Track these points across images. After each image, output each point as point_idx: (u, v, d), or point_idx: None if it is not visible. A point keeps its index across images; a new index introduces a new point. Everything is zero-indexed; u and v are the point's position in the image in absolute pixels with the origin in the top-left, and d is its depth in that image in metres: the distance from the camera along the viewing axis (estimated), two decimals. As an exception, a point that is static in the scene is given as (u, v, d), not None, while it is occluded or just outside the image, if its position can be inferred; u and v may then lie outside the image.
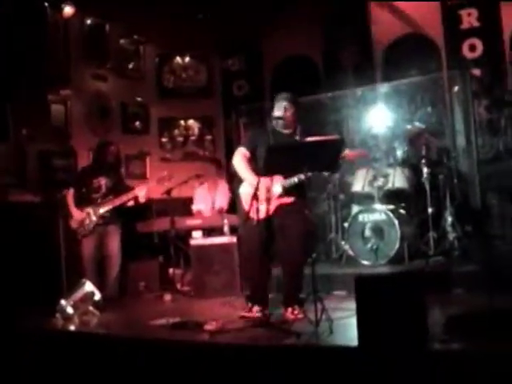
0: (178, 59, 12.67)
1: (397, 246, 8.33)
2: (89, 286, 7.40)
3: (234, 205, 9.64)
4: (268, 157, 5.84)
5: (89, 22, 11.24)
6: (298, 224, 6.37)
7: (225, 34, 12.36)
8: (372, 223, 8.65)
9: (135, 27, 11.78)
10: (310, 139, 6.25)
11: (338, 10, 11.45)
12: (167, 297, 8.54)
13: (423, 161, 8.85)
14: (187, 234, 9.25)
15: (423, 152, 8.95)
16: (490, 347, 4.43)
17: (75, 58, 10.96)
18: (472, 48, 10.31)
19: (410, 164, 9.30)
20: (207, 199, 10.11)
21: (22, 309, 7.51)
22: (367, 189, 9.15)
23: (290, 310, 6.30)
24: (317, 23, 11.68)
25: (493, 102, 9.73)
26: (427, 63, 10.47)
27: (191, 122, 12.62)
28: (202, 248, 8.76)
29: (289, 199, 6.33)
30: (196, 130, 12.65)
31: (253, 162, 6.56)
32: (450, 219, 8.71)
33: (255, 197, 5.95)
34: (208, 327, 5.93)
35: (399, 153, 9.38)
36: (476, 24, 10.32)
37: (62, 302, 7.20)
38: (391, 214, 8.48)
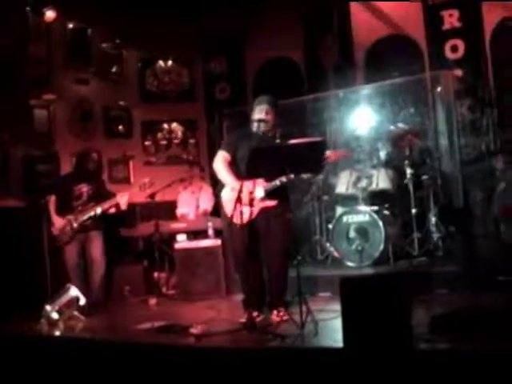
0: (161, 63, 12.65)
1: (381, 246, 8.35)
2: (74, 291, 7.39)
3: (218, 208, 9.66)
4: (250, 160, 5.83)
5: (71, 26, 11.22)
6: (279, 227, 6.38)
7: (207, 37, 12.37)
8: (356, 224, 8.67)
9: (117, 31, 11.75)
10: (292, 141, 6.23)
11: (318, 12, 11.46)
12: (152, 301, 8.52)
13: (406, 162, 8.87)
14: (172, 237, 9.24)
15: (407, 153, 8.99)
16: (474, 346, 4.46)
17: (57, 63, 10.93)
18: (454, 49, 10.34)
19: (394, 165, 9.32)
20: (191, 203, 10.10)
21: (5, 314, 7.49)
22: (351, 190, 9.18)
23: (275, 312, 6.30)
24: (298, 25, 11.68)
25: (475, 103, 9.78)
26: (409, 64, 10.48)
27: (174, 125, 12.61)
28: (186, 251, 8.76)
29: (271, 203, 6.33)
30: (179, 134, 12.63)
31: (233, 165, 6.55)
32: (433, 219, 8.76)
33: (239, 200, 5.94)
34: (193, 331, 5.92)
35: (382, 154, 9.41)
36: (458, 25, 10.36)
37: (47, 307, 7.19)
38: (375, 215, 8.50)
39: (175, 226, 9.45)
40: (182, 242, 9.02)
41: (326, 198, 9.67)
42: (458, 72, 10.07)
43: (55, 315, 7.14)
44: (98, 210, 8.21)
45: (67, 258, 8.21)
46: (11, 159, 9.95)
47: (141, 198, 8.82)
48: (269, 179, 6.26)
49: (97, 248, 8.31)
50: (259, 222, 6.37)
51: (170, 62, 12.70)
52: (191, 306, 8.08)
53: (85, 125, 11.32)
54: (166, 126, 12.56)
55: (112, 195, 8.33)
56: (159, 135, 12.49)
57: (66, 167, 9.96)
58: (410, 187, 8.79)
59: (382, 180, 9.03)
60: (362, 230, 8.59)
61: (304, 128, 9.96)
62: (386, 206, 9.12)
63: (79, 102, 11.28)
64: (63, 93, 10.97)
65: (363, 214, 8.66)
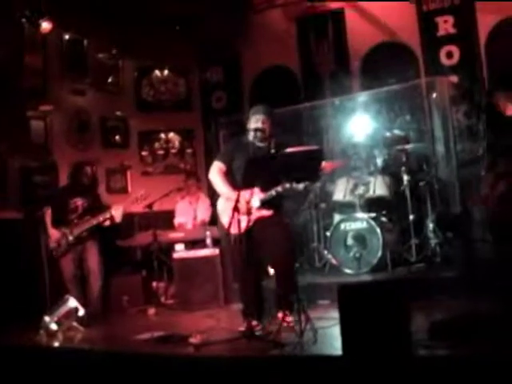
0: (157, 72, 12.68)
1: (379, 253, 8.36)
2: (72, 302, 7.40)
3: (215, 217, 9.67)
4: (247, 169, 5.85)
5: (67, 37, 11.25)
6: (280, 233, 6.37)
7: (203, 46, 12.41)
8: (354, 231, 8.68)
9: (113, 42, 11.77)
10: (289, 150, 6.24)
11: (314, 20, 11.49)
12: (151, 311, 8.52)
13: (403, 168, 8.89)
14: (170, 247, 9.24)
15: (403, 159, 9.00)
16: (473, 352, 4.46)
17: (54, 74, 10.95)
18: (449, 55, 10.38)
19: (391, 172, 9.33)
20: (188, 213, 10.12)
21: (4, 325, 7.49)
22: (348, 197, 9.19)
23: (281, 313, 6.25)
24: (293, 33, 11.72)
25: (471, 108, 9.79)
26: (405, 71, 10.49)
27: (171, 135, 12.62)
28: (184, 261, 8.77)
29: (267, 212, 6.33)
30: (176, 143, 12.64)
31: (229, 175, 6.56)
32: (431, 225, 8.76)
33: (236, 209, 5.95)
34: (192, 340, 5.91)
35: (379, 161, 9.41)
36: (452, 31, 10.40)
37: (46, 318, 7.20)
38: (373, 222, 8.51)
39: (173, 235, 9.47)
40: (180, 251, 9.02)
41: (323, 205, 9.68)
42: (454, 78, 10.09)
43: (54, 326, 7.15)
44: (93, 223, 8.24)
45: (64, 269, 8.23)
46: (8, 170, 9.95)
47: (138, 207, 8.81)
48: (265, 189, 6.26)
49: (93, 259, 8.32)
50: (257, 232, 6.36)
51: (166, 72, 12.72)
52: (190, 315, 8.07)
53: (82, 135, 11.33)
54: (162, 135, 12.58)
55: (107, 208, 8.35)
56: (156, 145, 12.50)
57: (64, 178, 9.92)
58: (407, 193, 8.81)
59: (379, 187, 9.05)
60: (360, 237, 8.59)
61: (301, 136, 9.98)
62: (384, 212, 9.13)
63: (76, 112, 11.30)
64: (60, 104, 10.98)
65: (361, 221, 8.67)
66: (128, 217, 8.67)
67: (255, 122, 6.52)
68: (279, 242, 6.34)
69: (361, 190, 9.06)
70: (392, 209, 9.21)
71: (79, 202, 8.39)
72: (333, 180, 9.62)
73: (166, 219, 10.15)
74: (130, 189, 11.82)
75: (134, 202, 8.46)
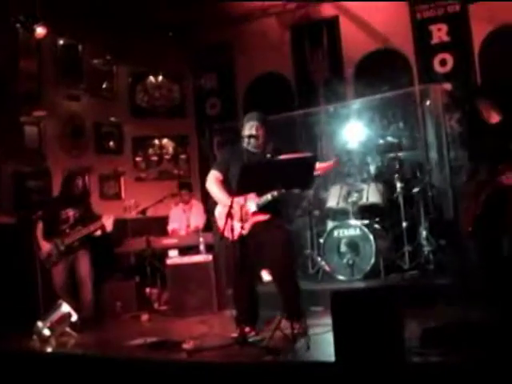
0: (151, 78, 12.69)
1: (372, 260, 8.37)
2: (65, 308, 7.39)
3: (209, 223, 9.68)
4: (241, 176, 5.85)
5: (61, 42, 11.26)
6: (278, 238, 6.34)
7: (197, 52, 12.44)
8: (347, 238, 8.69)
9: (108, 47, 11.78)
10: (282, 157, 6.27)
11: (308, 28, 11.52)
12: (144, 317, 8.51)
13: (396, 175, 8.92)
14: (163, 253, 9.23)
15: (396, 167, 9.03)
16: (466, 359, 4.46)
17: (48, 79, 10.96)
18: (443, 62, 10.44)
19: (384, 179, 9.35)
20: (182, 219, 10.13)
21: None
22: (342, 204, 9.20)
23: (291, 322, 6.24)
24: (287, 41, 11.75)
25: (464, 115, 9.81)
26: (398, 78, 10.52)
27: (165, 141, 12.63)
28: (178, 267, 8.75)
29: (264, 216, 6.34)
30: (170, 149, 12.66)
31: (226, 182, 6.57)
32: (424, 233, 8.77)
33: (229, 215, 5.96)
34: (185, 346, 5.91)
35: (372, 168, 9.44)
36: (446, 39, 10.46)
37: (39, 323, 7.17)
38: (366, 229, 8.53)
39: (166, 241, 9.47)
40: (173, 257, 9.00)
41: (316, 212, 9.68)
42: (447, 85, 10.12)
43: (47, 332, 7.12)
44: (84, 233, 8.25)
45: (55, 279, 8.24)
46: (2, 175, 9.95)
47: (133, 211, 8.82)
48: (260, 194, 6.28)
49: (85, 268, 8.33)
50: (255, 236, 6.36)
51: (160, 78, 12.74)
52: (183, 321, 8.06)
53: (76, 141, 11.33)
54: (156, 141, 12.59)
55: (98, 218, 8.36)
56: (150, 151, 12.51)
57: (58, 183, 9.89)
58: (401, 201, 8.83)
59: (372, 194, 9.06)
60: (353, 244, 8.60)
61: (295, 143, 9.99)
62: (377, 219, 9.15)
63: (70, 118, 11.30)
64: (54, 109, 10.99)
65: (354, 228, 8.68)
66: (121, 223, 8.67)
67: (249, 128, 6.53)
68: (279, 245, 6.32)
69: (354, 197, 9.07)
70: (385, 216, 9.23)
71: (71, 212, 8.40)
72: (326, 187, 9.64)
73: (159, 225, 10.16)
74: (123, 195, 11.82)
75: (125, 211, 8.50)
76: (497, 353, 4.50)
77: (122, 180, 11.98)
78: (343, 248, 8.68)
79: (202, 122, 12.46)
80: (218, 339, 6.23)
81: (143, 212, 8.73)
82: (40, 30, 10.29)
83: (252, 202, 6.31)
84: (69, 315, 7.37)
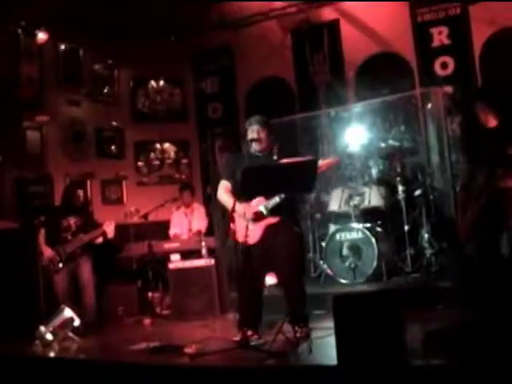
0: (153, 83, 12.70)
1: (374, 263, 8.37)
2: (68, 312, 7.38)
3: (211, 227, 9.68)
4: (243, 179, 5.87)
5: (63, 47, 11.27)
6: (288, 239, 6.35)
7: (198, 56, 12.45)
8: (349, 242, 8.69)
9: (109, 52, 11.79)
10: (284, 161, 6.27)
11: (309, 31, 11.53)
12: (146, 321, 8.52)
13: (398, 178, 8.92)
14: (165, 257, 9.22)
15: (398, 170, 9.03)
16: (468, 362, 4.46)
17: (50, 84, 10.98)
18: (444, 65, 10.44)
19: (386, 182, 9.35)
20: (183, 223, 10.13)
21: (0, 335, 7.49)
22: (344, 208, 9.20)
23: (295, 327, 6.25)
24: (288, 45, 11.77)
25: (463, 119, 9.81)
26: (400, 81, 10.53)
27: (167, 145, 12.63)
28: (180, 271, 8.76)
29: (274, 219, 6.34)
30: (172, 154, 12.66)
31: (234, 189, 6.59)
32: (426, 236, 8.77)
33: (232, 219, 6.02)
34: (188, 350, 5.91)
35: (374, 171, 9.45)
36: (447, 42, 10.47)
37: (41, 328, 7.17)
38: (368, 233, 8.53)
39: (168, 245, 9.45)
40: (175, 261, 9.00)
41: (318, 215, 9.69)
42: (448, 88, 10.11)
43: (49, 336, 7.13)
44: (86, 240, 8.29)
45: (57, 285, 8.26)
46: (4, 181, 9.96)
47: (134, 218, 8.83)
48: (269, 197, 6.30)
49: (87, 273, 8.36)
50: (264, 240, 6.38)
51: (161, 82, 12.75)
52: (185, 325, 8.06)
53: (77, 146, 11.34)
54: (158, 146, 12.59)
55: (99, 225, 8.40)
56: (152, 155, 12.51)
57: (60, 188, 9.93)
58: (402, 204, 8.83)
59: (374, 197, 9.06)
60: (355, 248, 8.61)
61: (296, 147, 9.97)
62: (379, 223, 9.15)
63: (71, 123, 11.31)
64: (55, 114, 11.01)
65: (356, 231, 8.68)
66: (123, 228, 8.68)
67: (251, 133, 6.55)
68: (288, 247, 6.32)
69: (356, 200, 9.07)
70: (387, 219, 9.23)
71: (72, 220, 8.44)
72: (328, 190, 9.64)
73: (161, 230, 10.16)
74: (125, 199, 11.82)
75: (126, 216, 8.55)
76: (499, 355, 4.50)
77: (124, 184, 11.97)
78: (345, 251, 8.68)
79: (204, 127, 12.43)
80: (221, 343, 6.21)
81: (145, 217, 8.75)
82: (41, 36, 10.36)
83: (262, 206, 6.33)
84: (71, 320, 7.37)
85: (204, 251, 8.83)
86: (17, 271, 8.68)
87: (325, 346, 5.60)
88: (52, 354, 6.86)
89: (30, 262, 8.66)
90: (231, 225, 6.50)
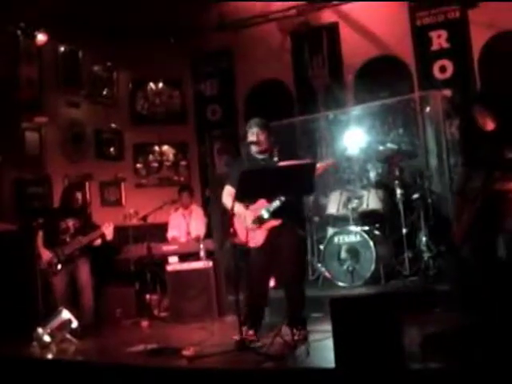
0: (152, 85, 12.70)
1: (372, 267, 8.38)
2: (66, 314, 7.39)
3: (210, 230, 9.68)
4: (241, 182, 5.89)
5: (62, 49, 11.27)
6: (290, 241, 6.39)
7: (197, 59, 12.46)
8: (347, 245, 8.69)
9: (108, 54, 11.79)
10: (281, 164, 6.30)
11: (308, 34, 11.54)
12: (144, 323, 8.51)
13: (397, 182, 8.92)
14: (163, 259, 9.22)
15: (397, 173, 9.03)
16: (466, 365, 4.46)
17: (49, 86, 10.97)
18: (443, 69, 10.46)
19: (384, 185, 9.35)
20: (182, 225, 10.12)
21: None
22: (342, 211, 9.20)
23: (293, 330, 6.26)
24: (288, 47, 11.78)
25: (461, 122, 9.82)
26: (398, 85, 10.55)
27: (166, 147, 12.63)
28: (178, 273, 8.76)
29: (276, 222, 6.36)
30: (171, 156, 12.66)
31: None
32: (424, 239, 8.77)
33: (231, 222, 6.08)
34: (186, 353, 5.90)
35: (373, 174, 9.45)
36: (446, 45, 10.48)
37: (39, 329, 7.18)
38: (366, 236, 8.53)
39: (167, 248, 9.47)
40: (173, 264, 9.00)
41: (316, 218, 9.69)
42: (447, 92, 10.13)
43: (47, 338, 7.13)
44: (84, 242, 8.29)
45: (56, 287, 8.26)
46: (3, 182, 9.96)
47: (133, 220, 8.83)
48: (269, 200, 6.33)
49: (85, 275, 8.37)
50: (268, 243, 6.42)
51: (160, 84, 12.75)
52: (183, 327, 8.06)
53: (76, 147, 11.34)
54: (157, 148, 12.59)
55: (97, 227, 8.42)
56: (150, 157, 12.51)
57: (58, 190, 9.93)
58: (401, 207, 8.83)
59: (372, 200, 9.07)
60: (353, 251, 8.61)
61: (295, 150, 9.98)
62: (377, 226, 9.15)
63: (71, 124, 11.31)
64: (55, 116, 11.00)
65: (354, 234, 8.68)
66: (122, 230, 8.69)
67: (251, 135, 6.57)
68: (289, 250, 6.37)
69: (354, 203, 9.08)
70: (385, 222, 9.23)
71: (70, 222, 8.45)
72: (326, 193, 9.64)
73: (159, 232, 10.16)
74: (124, 201, 11.82)
75: (125, 218, 8.56)
76: (496, 358, 4.50)
77: (123, 186, 11.97)
78: (343, 254, 8.69)
79: (203, 129, 12.43)
80: (219, 345, 6.23)
81: (144, 219, 8.76)
82: (41, 37, 10.36)
83: (264, 210, 6.35)
84: (69, 322, 7.38)
85: (202, 253, 8.83)
86: (15, 273, 8.69)
87: (322, 348, 5.61)
88: (50, 356, 6.87)
89: (29, 264, 8.66)
90: (231, 228, 6.53)
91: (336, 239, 8.81)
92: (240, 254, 6.64)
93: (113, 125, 12.08)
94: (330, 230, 9.36)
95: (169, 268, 8.84)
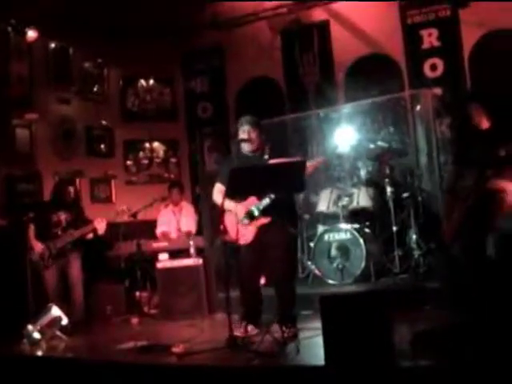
0: (142, 82, 12.67)
1: (363, 264, 8.39)
2: (55, 311, 7.38)
3: (200, 227, 9.67)
4: (231, 179, 5.90)
5: (52, 45, 11.23)
6: (280, 239, 6.41)
7: (188, 56, 12.45)
8: (338, 242, 8.70)
9: (99, 51, 11.77)
10: (272, 162, 6.32)
11: (299, 32, 11.55)
12: (134, 320, 8.52)
13: (387, 180, 8.93)
14: (153, 256, 9.21)
15: (387, 171, 9.05)
16: (456, 362, 4.48)
17: (39, 82, 10.93)
18: (433, 67, 10.47)
19: (374, 183, 9.37)
20: (171, 222, 10.11)
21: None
22: (332, 208, 9.21)
23: (283, 328, 6.27)
24: (278, 45, 11.77)
25: (454, 120, 9.84)
26: (389, 83, 10.56)
27: (156, 144, 12.61)
28: (168, 270, 8.75)
29: (266, 219, 6.38)
30: (161, 153, 12.64)
31: None
32: (414, 237, 8.79)
33: (222, 219, 6.19)
34: (175, 350, 5.92)
35: (363, 172, 9.46)
36: (436, 43, 10.49)
37: (29, 326, 7.17)
38: (356, 233, 8.54)
39: (157, 245, 9.45)
40: (163, 261, 8.98)
41: (307, 216, 9.70)
42: (438, 90, 10.15)
43: (37, 335, 7.12)
44: (76, 236, 8.27)
45: (47, 282, 8.25)
46: (-7, 179, 9.96)
47: (124, 217, 8.82)
48: (260, 197, 6.34)
49: (76, 270, 8.36)
50: (259, 241, 6.46)
51: (151, 81, 12.73)
52: (173, 324, 8.06)
53: (67, 144, 11.31)
54: (147, 145, 12.56)
55: (90, 221, 8.40)
56: (141, 154, 12.49)
57: (49, 186, 9.90)
58: (391, 205, 8.84)
59: (362, 198, 9.08)
60: (344, 248, 8.61)
61: (285, 147, 9.98)
62: (367, 223, 9.17)
63: (61, 121, 11.27)
64: (45, 112, 10.96)
65: (344, 232, 8.69)
66: (112, 227, 8.67)
67: (242, 133, 6.60)
68: (279, 247, 6.41)
69: (344, 201, 9.09)
70: (375, 220, 9.25)
71: (62, 216, 8.42)
72: (316, 191, 9.65)
73: (149, 229, 10.15)
74: (114, 198, 11.80)
75: (117, 215, 8.55)
76: (486, 355, 4.52)
77: (113, 183, 11.95)
78: (333, 252, 8.69)
79: (193, 126, 12.40)
80: (208, 342, 6.23)
81: (134, 215, 8.75)
82: (31, 34, 10.32)
83: (253, 207, 6.36)
84: (59, 318, 7.37)
85: (192, 250, 8.83)
86: (5, 270, 8.67)
87: (312, 346, 5.62)
88: (39, 353, 6.87)
89: (19, 261, 8.65)
90: (221, 225, 6.54)
91: (326, 237, 8.82)
92: (230, 251, 6.65)
93: (103, 121, 12.05)
94: (320, 228, 9.35)
95: (159, 265, 8.83)
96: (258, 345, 5.74)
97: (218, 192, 6.69)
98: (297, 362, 5.27)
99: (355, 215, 9.15)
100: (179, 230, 9.99)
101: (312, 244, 9.02)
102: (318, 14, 11.43)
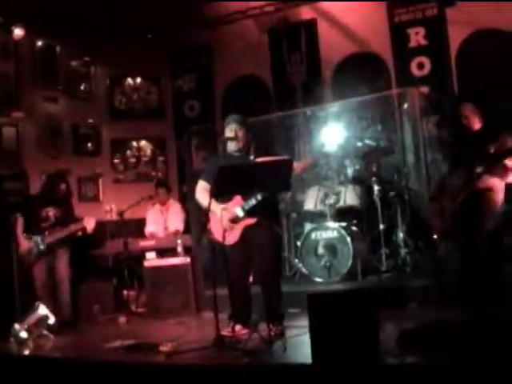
0: (129, 80, 12.65)
1: (350, 262, 8.40)
2: (42, 310, 7.35)
3: (188, 226, 9.66)
4: (217, 178, 5.90)
5: (39, 43, 11.21)
6: (265, 238, 6.39)
7: (175, 54, 12.44)
8: (325, 241, 8.70)
9: (86, 49, 11.74)
10: (259, 160, 6.32)
11: (286, 30, 11.55)
12: (122, 319, 8.48)
13: (374, 178, 8.96)
14: (141, 255, 9.20)
15: (374, 169, 9.06)
16: (442, 360, 4.49)
17: (26, 80, 10.92)
18: (420, 66, 10.50)
19: (361, 181, 9.38)
20: (159, 221, 10.11)
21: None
22: (319, 207, 9.22)
23: (270, 326, 6.26)
24: (265, 43, 11.78)
25: (441, 119, 9.87)
26: (376, 81, 10.59)
27: (143, 142, 12.60)
28: (155, 269, 8.75)
29: (252, 220, 6.38)
30: (148, 151, 12.63)
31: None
32: (401, 235, 8.82)
33: (207, 219, 6.21)
34: (163, 348, 5.91)
35: (350, 171, 9.47)
36: (423, 42, 10.52)
37: (16, 325, 7.13)
38: (343, 232, 8.55)
39: (144, 243, 9.44)
40: (151, 259, 8.97)
41: (294, 214, 9.72)
42: (425, 89, 10.16)
43: (24, 334, 7.09)
44: (65, 234, 8.24)
45: (36, 278, 8.23)
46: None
47: (113, 215, 8.80)
48: (245, 197, 6.34)
49: (63, 266, 8.35)
50: (244, 241, 6.46)
51: (138, 80, 12.71)
52: (161, 323, 8.06)
53: (54, 143, 11.29)
54: (134, 143, 12.55)
55: (79, 219, 8.36)
56: (128, 153, 12.47)
57: (35, 185, 9.90)
58: (378, 203, 8.87)
59: (349, 197, 9.10)
60: (331, 247, 8.62)
61: (272, 146, 9.99)
62: (354, 222, 9.19)
63: (48, 119, 11.25)
64: (32, 110, 10.95)
65: (331, 230, 8.70)
66: (99, 225, 8.66)
67: (229, 131, 6.60)
68: (264, 247, 6.37)
69: (331, 199, 9.09)
70: (362, 218, 9.27)
71: (51, 211, 8.40)
72: (303, 189, 9.65)
73: (137, 227, 10.13)
74: (101, 197, 11.79)
75: (105, 214, 8.53)
76: (473, 353, 4.54)
77: (100, 182, 11.94)
78: (321, 250, 8.70)
79: (180, 124, 12.41)
80: (196, 341, 6.23)
81: (121, 214, 8.73)
82: (18, 31, 10.29)
83: (238, 208, 6.36)
84: (46, 317, 7.34)
85: (180, 249, 8.83)
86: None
87: (299, 344, 5.63)
88: (26, 352, 6.83)
89: (5, 259, 8.63)
90: (207, 224, 6.55)
91: (313, 235, 8.82)
92: (218, 249, 6.64)
93: (90, 120, 12.03)
94: (308, 226, 9.37)
95: (146, 264, 8.83)
96: (245, 343, 5.74)
97: (201, 189, 6.70)
98: (284, 360, 5.27)
99: (342, 213, 9.16)
100: (166, 228, 9.99)
101: (299, 242, 9.02)
102: (306, 13, 11.45)
